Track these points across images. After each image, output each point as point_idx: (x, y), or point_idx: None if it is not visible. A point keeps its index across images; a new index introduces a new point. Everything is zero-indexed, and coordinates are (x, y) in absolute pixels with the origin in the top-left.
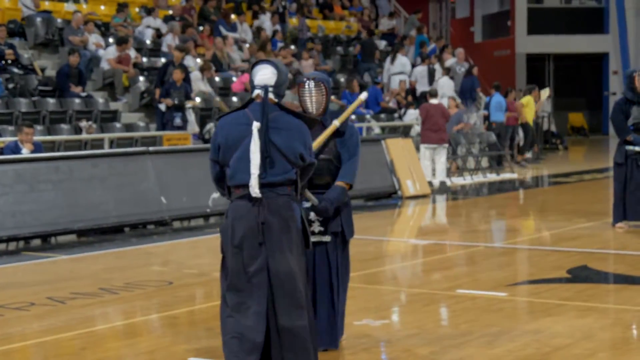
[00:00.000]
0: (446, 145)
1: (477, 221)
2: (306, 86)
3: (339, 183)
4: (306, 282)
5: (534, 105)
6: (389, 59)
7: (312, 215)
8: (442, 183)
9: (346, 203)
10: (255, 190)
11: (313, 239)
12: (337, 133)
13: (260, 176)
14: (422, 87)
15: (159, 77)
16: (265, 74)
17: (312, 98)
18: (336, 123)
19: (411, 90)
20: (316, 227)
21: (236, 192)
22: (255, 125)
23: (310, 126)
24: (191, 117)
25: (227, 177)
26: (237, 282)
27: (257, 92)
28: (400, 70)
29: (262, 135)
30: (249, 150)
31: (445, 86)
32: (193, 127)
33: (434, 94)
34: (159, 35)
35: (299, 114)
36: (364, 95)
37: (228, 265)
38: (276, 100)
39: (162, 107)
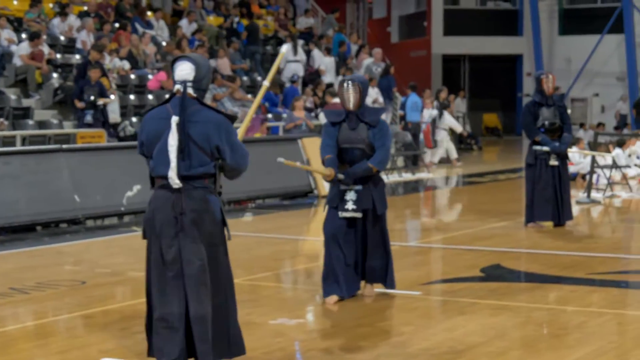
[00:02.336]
0: None
1: (392, 220)
2: (344, 85)
3: (368, 164)
4: (220, 274)
5: None
6: (288, 47)
7: (347, 196)
8: None
9: (377, 184)
10: (175, 181)
11: (347, 214)
12: (369, 125)
13: (178, 169)
14: (329, 78)
15: (79, 76)
16: (183, 69)
17: (349, 95)
18: (266, 83)
19: (314, 73)
20: (350, 206)
21: (157, 182)
22: (174, 119)
23: (231, 121)
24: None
25: (149, 169)
26: (157, 269)
27: (177, 87)
28: (298, 58)
29: (180, 129)
30: (167, 144)
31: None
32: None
33: (334, 94)
34: (70, 28)
35: (218, 110)
36: (284, 48)
37: (150, 252)
38: (195, 95)
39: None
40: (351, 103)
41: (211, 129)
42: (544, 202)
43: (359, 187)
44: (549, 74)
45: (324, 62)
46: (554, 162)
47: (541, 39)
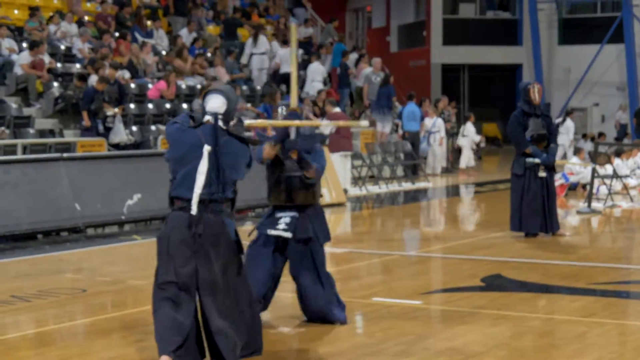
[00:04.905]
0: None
1: (393, 230)
2: (279, 111)
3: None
4: (237, 287)
5: None
6: (250, 40)
7: (281, 220)
8: (346, 191)
9: (317, 212)
10: (194, 208)
11: (274, 232)
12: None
13: (202, 194)
14: (287, 69)
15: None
16: (216, 103)
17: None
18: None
19: (275, 73)
20: (282, 225)
21: (177, 204)
22: (207, 148)
23: (253, 145)
24: (120, 124)
25: (170, 187)
26: (168, 284)
27: (207, 117)
28: (262, 50)
29: (212, 159)
30: (196, 170)
31: (316, 71)
32: (121, 134)
33: (334, 103)
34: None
35: (244, 138)
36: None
37: (161, 268)
38: (224, 127)
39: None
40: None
41: (238, 161)
42: (534, 213)
43: (294, 213)
44: (535, 84)
45: (280, 55)
46: (542, 173)
47: (541, 48)
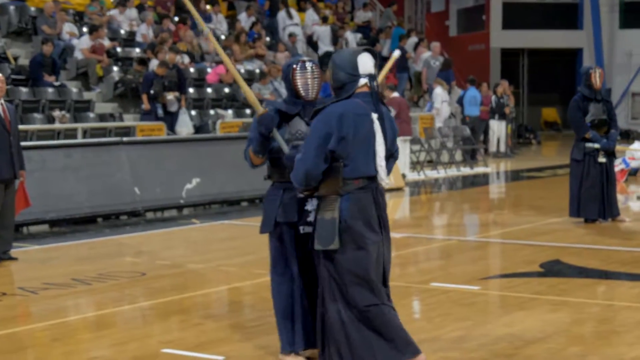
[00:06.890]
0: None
1: (451, 215)
2: (308, 67)
3: None
4: None
5: None
6: (284, 13)
7: (309, 205)
8: (404, 176)
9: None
10: (386, 181)
11: (307, 229)
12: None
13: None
14: (325, 46)
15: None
16: (368, 63)
17: (314, 80)
18: (396, 54)
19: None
20: (312, 217)
21: (354, 184)
22: (375, 116)
23: None
24: (185, 115)
25: (342, 169)
26: (365, 276)
27: (364, 81)
28: (296, 22)
29: (382, 127)
30: (371, 143)
31: (352, 42)
32: (187, 126)
33: (393, 88)
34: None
35: (383, 103)
36: (397, 53)
37: (357, 258)
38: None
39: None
40: (314, 90)
41: (392, 126)
42: (592, 199)
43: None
44: (597, 68)
45: (318, 32)
46: (602, 159)
47: (602, 32)
